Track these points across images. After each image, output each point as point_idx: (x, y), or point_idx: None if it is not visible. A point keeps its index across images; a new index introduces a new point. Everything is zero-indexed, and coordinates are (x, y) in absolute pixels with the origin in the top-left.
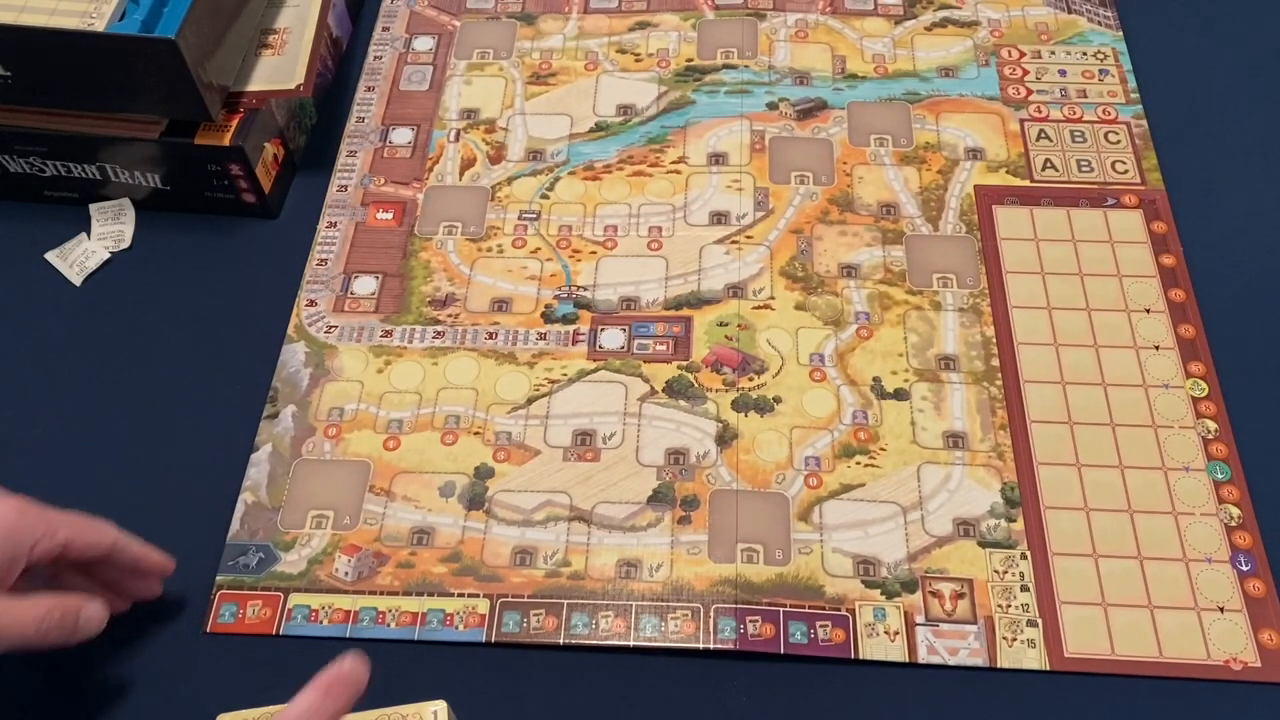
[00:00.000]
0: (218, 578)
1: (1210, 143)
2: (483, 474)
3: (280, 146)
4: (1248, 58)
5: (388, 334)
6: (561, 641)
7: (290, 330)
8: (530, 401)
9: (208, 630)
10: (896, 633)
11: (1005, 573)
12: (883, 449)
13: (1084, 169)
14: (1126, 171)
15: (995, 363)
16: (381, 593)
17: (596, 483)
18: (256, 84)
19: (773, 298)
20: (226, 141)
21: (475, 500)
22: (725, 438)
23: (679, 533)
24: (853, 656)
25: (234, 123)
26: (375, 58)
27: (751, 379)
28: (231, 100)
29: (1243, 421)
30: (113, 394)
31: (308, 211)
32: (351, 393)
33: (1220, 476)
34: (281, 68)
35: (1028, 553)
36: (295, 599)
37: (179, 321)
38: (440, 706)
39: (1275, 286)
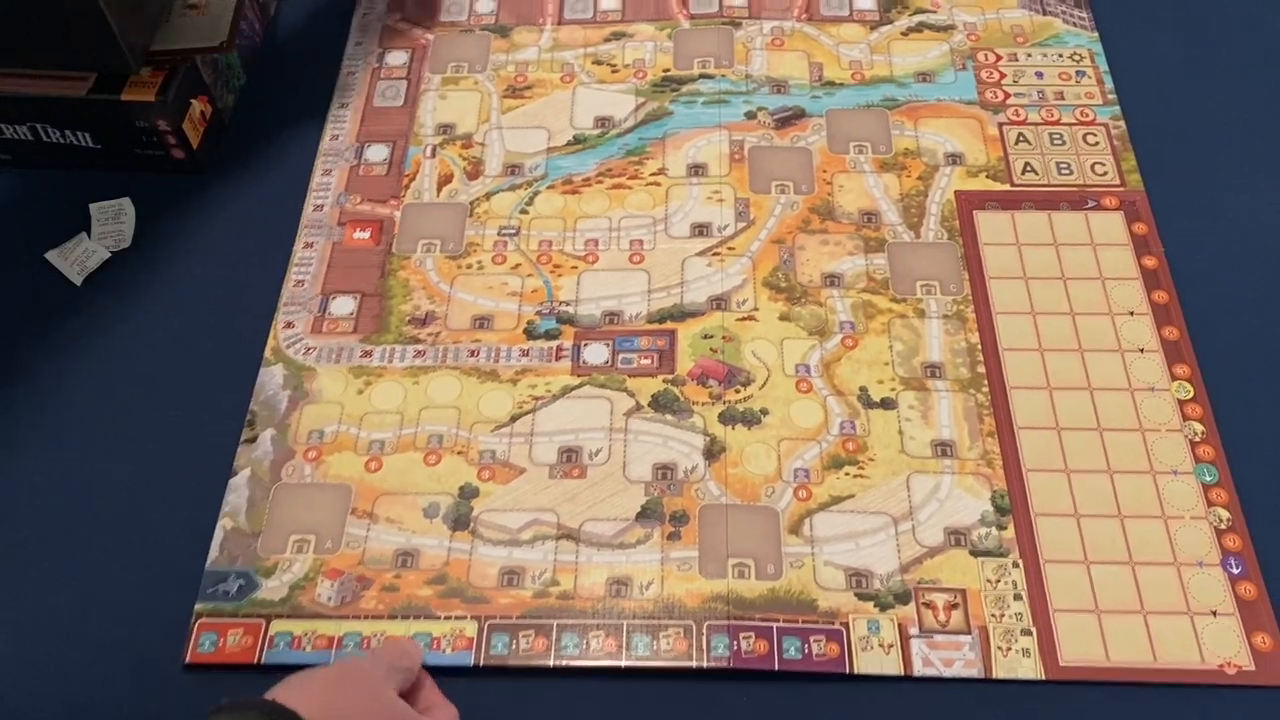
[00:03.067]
0: (196, 606)
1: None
2: (467, 494)
3: (208, 104)
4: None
5: (367, 354)
6: (552, 663)
7: (268, 353)
8: (514, 419)
9: (187, 661)
10: (891, 645)
11: (998, 581)
12: (871, 459)
13: (1063, 171)
14: (1106, 173)
15: (981, 369)
16: (366, 617)
17: (583, 500)
18: (180, 42)
19: (756, 309)
20: (152, 97)
21: (460, 521)
22: (713, 451)
23: (669, 549)
24: (848, 671)
25: (159, 79)
26: (348, 74)
27: (738, 391)
28: (157, 58)
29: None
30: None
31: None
32: (331, 414)
33: (1209, 479)
34: (205, 26)
35: (1019, 561)
36: (277, 626)
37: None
38: None
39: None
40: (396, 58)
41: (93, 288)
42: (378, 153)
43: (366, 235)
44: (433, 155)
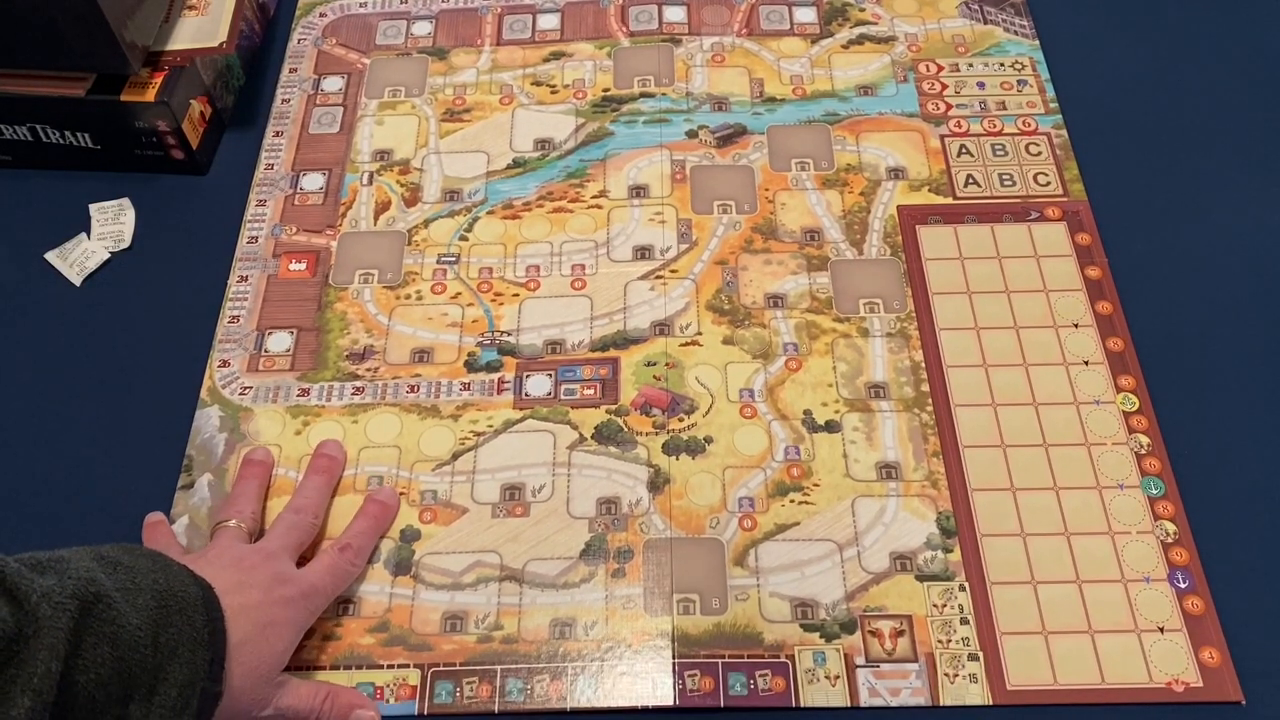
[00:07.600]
0: None
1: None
2: (409, 537)
3: (207, 105)
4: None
5: (304, 392)
6: (496, 710)
7: (204, 394)
8: (455, 457)
9: None
10: (837, 677)
11: (944, 606)
12: (816, 484)
13: (1006, 183)
14: (1049, 183)
15: (925, 388)
16: (308, 667)
17: (527, 539)
18: (180, 42)
19: (700, 333)
20: (151, 98)
21: (402, 565)
22: (657, 483)
23: (613, 587)
24: (794, 704)
25: (159, 80)
26: (283, 101)
27: (681, 419)
28: (156, 58)
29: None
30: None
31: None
32: None
33: (1155, 492)
34: (205, 27)
35: (966, 584)
36: None
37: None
38: None
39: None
40: (332, 83)
41: (93, 288)
42: (313, 181)
43: (302, 267)
44: (370, 182)
